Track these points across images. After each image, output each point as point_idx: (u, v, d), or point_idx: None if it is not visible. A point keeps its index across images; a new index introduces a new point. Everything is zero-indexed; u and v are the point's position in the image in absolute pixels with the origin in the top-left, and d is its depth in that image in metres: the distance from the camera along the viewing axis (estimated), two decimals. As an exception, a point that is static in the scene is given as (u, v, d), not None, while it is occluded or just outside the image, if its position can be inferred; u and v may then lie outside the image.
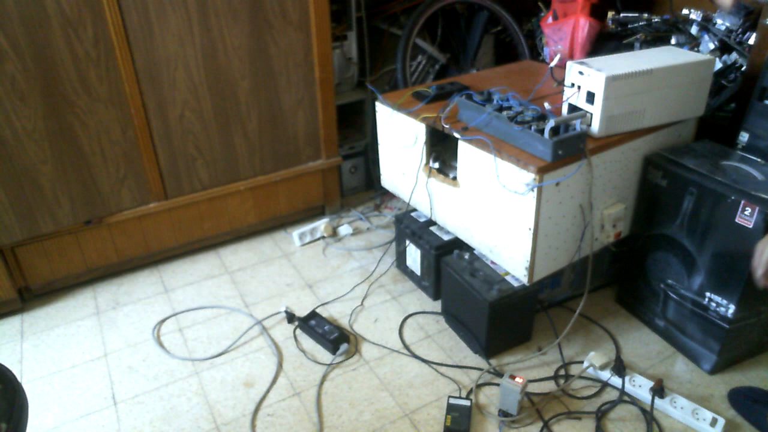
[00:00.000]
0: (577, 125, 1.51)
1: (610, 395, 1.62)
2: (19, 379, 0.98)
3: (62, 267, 2.03)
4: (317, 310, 1.93)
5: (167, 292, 2.09)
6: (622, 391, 1.59)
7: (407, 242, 2.04)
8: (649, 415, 1.53)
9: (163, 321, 1.95)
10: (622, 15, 2.17)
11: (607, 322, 1.88)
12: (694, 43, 1.96)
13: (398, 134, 1.96)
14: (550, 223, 1.56)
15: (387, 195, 2.65)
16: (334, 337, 1.78)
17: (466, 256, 1.80)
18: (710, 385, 1.64)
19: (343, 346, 1.77)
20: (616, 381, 1.62)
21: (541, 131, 1.48)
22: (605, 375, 1.64)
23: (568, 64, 1.62)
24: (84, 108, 1.84)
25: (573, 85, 1.61)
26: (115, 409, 1.62)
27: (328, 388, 1.67)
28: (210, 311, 1.99)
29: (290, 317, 1.91)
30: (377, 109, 2.02)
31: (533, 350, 1.78)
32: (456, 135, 1.68)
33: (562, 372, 1.70)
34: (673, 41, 2.02)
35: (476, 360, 1.75)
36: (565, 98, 1.65)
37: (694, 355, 1.70)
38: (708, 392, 1.62)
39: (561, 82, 1.79)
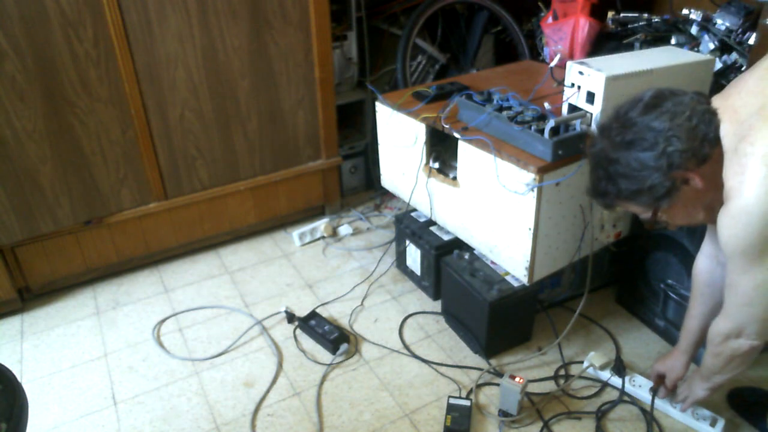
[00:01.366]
0: (577, 125, 1.51)
1: (610, 395, 1.62)
2: (19, 379, 0.98)
3: (62, 267, 2.03)
4: (317, 310, 1.93)
5: (167, 292, 2.09)
6: (622, 391, 1.59)
7: (407, 242, 2.04)
8: (649, 415, 1.53)
9: (163, 321, 1.95)
10: (622, 15, 2.16)
11: (607, 322, 1.88)
12: (694, 43, 1.96)
13: (398, 134, 1.96)
14: (550, 223, 1.56)
15: (387, 195, 2.65)
16: (334, 337, 1.78)
17: (466, 256, 1.80)
18: (710, 385, 1.64)
19: (343, 346, 1.77)
20: (616, 381, 1.62)
21: (541, 131, 1.48)
22: (605, 375, 1.64)
23: (568, 64, 1.62)
24: (84, 108, 1.84)
25: (573, 85, 1.61)
26: (115, 409, 1.62)
27: (328, 388, 1.67)
28: (210, 311, 1.99)
29: (290, 317, 1.91)
30: (377, 109, 2.02)
31: (533, 350, 1.78)
32: (456, 135, 1.68)
33: (562, 372, 1.70)
34: (673, 41, 2.02)
35: (476, 360, 1.75)
36: (565, 98, 1.65)
37: (694, 355, 1.70)
38: (708, 392, 1.62)
39: (561, 82, 1.79)
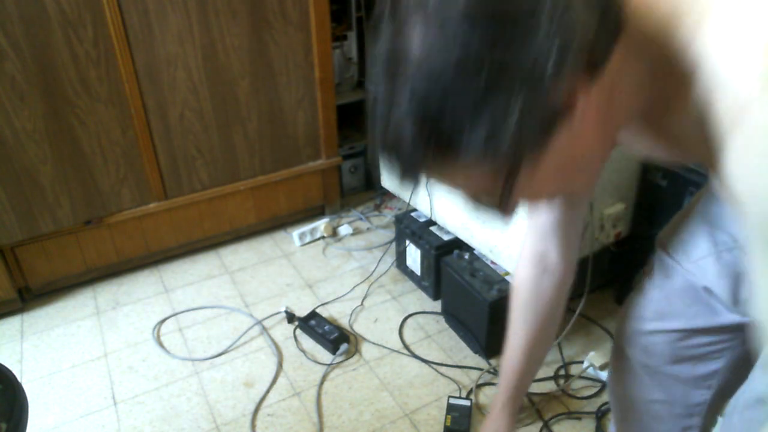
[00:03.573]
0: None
1: (610, 395, 1.62)
2: (19, 379, 0.98)
3: (62, 267, 2.03)
4: (317, 310, 1.93)
5: (167, 292, 2.09)
6: (622, 391, 1.59)
7: (407, 242, 2.04)
8: (649, 415, 1.53)
9: (163, 321, 1.95)
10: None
11: (607, 322, 1.88)
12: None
13: (398, 134, 1.96)
14: (550, 223, 1.56)
15: (387, 195, 2.65)
16: (334, 337, 1.78)
17: (466, 256, 1.80)
18: (710, 385, 1.64)
19: (343, 346, 1.77)
20: (616, 381, 1.62)
21: (541, 131, 1.48)
22: (605, 375, 1.64)
23: (568, 64, 1.61)
24: (84, 108, 1.84)
25: (573, 85, 1.61)
26: (115, 409, 1.62)
27: (328, 388, 1.67)
28: (210, 311, 1.99)
29: (290, 317, 1.91)
30: (377, 109, 2.02)
31: (533, 350, 1.78)
32: (456, 135, 1.67)
33: (562, 372, 1.70)
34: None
35: (476, 360, 1.75)
36: (565, 98, 1.65)
37: (694, 355, 1.70)
38: (708, 392, 1.62)
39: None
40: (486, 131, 0.48)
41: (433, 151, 0.50)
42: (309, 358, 1.77)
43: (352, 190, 2.68)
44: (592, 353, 1.68)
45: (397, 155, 0.51)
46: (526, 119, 0.48)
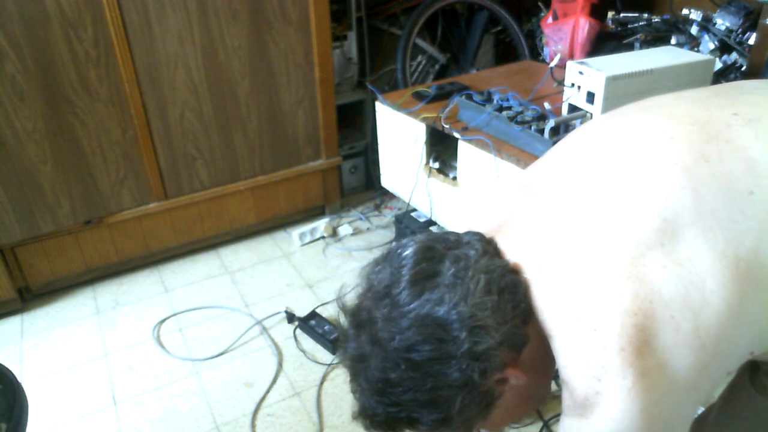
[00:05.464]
0: (577, 125, 1.51)
1: (610, 395, 1.61)
2: (19, 379, 0.98)
3: (62, 267, 2.03)
4: (317, 310, 1.93)
5: (167, 292, 2.09)
6: (622, 391, 1.59)
7: (407, 242, 2.04)
8: (649, 415, 1.53)
9: (163, 321, 1.95)
10: (622, 15, 2.16)
11: (607, 322, 1.88)
12: (694, 43, 1.96)
13: (398, 134, 1.96)
14: (550, 223, 1.56)
15: (387, 195, 2.65)
16: (334, 337, 1.78)
17: (466, 256, 1.80)
18: (710, 385, 1.64)
19: (343, 346, 1.77)
20: (616, 381, 1.62)
21: (541, 131, 1.48)
22: (605, 375, 1.64)
23: (568, 64, 1.62)
24: (84, 108, 1.84)
25: (573, 85, 1.61)
26: (115, 409, 1.62)
27: (328, 388, 1.67)
28: (210, 311, 1.99)
29: (290, 317, 1.91)
30: (377, 109, 2.02)
31: (533, 350, 1.78)
32: (456, 135, 1.68)
33: (562, 372, 1.70)
34: (673, 41, 2.02)
35: (476, 360, 1.75)
36: (565, 98, 1.65)
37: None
38: (708, 392, 1.62)
39: (561, 82, 1.79)
40: (437, 416, 0.69)
41: (396, 426, 0.73)
42: (309, 358, 1.77)
43: (352, 190, 2.68)
44: (592, 353, 1.68)
45: (371, 425, 0.73)
46: (468, 407, 0.69)
